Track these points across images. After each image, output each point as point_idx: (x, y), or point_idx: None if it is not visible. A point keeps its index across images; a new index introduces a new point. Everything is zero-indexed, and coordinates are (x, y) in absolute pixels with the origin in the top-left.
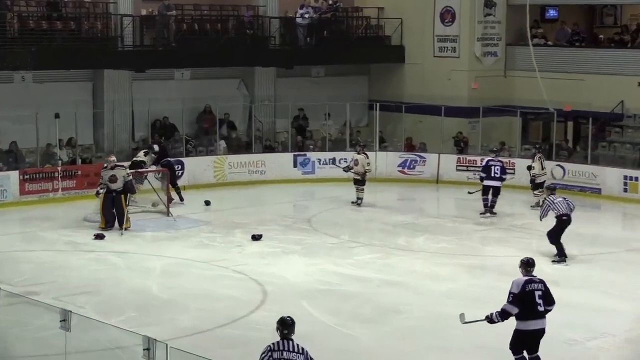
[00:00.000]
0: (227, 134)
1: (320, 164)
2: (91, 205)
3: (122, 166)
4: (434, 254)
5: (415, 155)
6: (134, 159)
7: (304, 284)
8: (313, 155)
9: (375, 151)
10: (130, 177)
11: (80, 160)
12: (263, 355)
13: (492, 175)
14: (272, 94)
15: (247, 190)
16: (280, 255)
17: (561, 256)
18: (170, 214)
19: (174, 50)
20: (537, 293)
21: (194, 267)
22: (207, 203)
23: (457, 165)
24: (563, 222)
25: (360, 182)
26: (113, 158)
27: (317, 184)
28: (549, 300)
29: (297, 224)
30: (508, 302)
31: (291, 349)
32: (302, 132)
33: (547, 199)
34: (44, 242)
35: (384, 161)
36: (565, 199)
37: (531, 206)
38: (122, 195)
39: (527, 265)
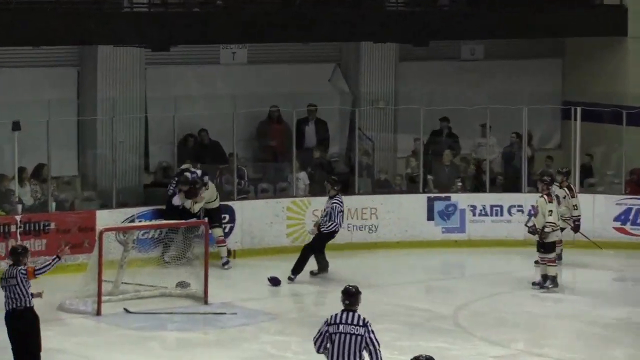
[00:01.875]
0: (306, 160)
1: (475, 215)
2: (72, 283)
3: None
4: None
5: None
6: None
7: None
8: (461, 200)
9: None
10: None
11: (54, 205)
12: (320, 330)
13: None
14: (390, 91)
15: (345, 260)
16: None
17: (323, 269)
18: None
19: (219, 14)
20: None
21: None
22: (275, 282)
23: None
24: (332, 237)
25: (544, 248)
26: None
27: (470, 250)
28: None
29: (434, 321)
30: None
31: (349, 322)
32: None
33: (337, 199)
34: None
35: (590, 210)
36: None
37: None
38: None
39: None
